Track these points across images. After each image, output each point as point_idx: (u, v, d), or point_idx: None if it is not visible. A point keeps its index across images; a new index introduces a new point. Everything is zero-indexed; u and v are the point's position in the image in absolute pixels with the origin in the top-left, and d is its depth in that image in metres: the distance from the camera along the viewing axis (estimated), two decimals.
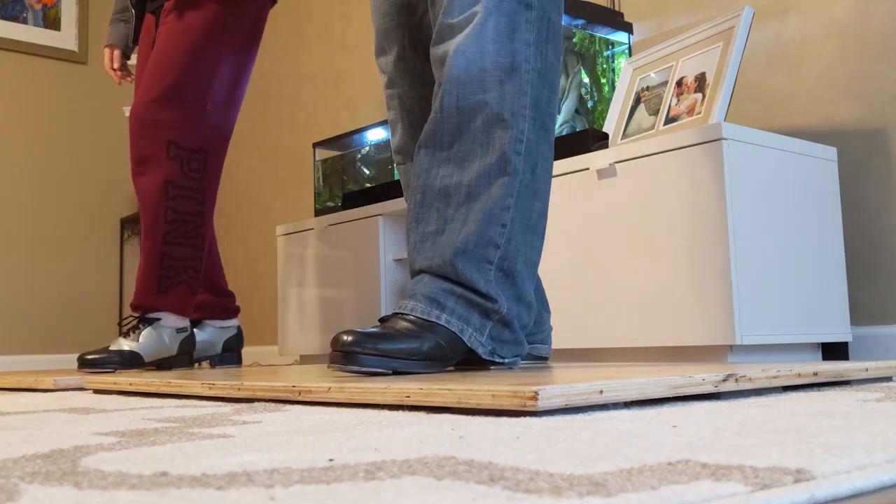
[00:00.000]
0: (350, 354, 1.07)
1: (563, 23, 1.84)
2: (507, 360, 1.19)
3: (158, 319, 1.89)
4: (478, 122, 1.18)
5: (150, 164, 1.92)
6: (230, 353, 2.17)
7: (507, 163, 1.18)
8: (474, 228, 1.17)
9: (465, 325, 1.15)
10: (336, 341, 1.08)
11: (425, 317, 1.13)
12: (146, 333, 1.86)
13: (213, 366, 2.15)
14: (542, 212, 1.23)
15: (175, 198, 1.92)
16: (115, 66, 2.21)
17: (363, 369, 1.07)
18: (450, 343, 1.14)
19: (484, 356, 1.17)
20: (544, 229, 1.24)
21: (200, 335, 2.10)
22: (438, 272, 1.17)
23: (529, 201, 1.20)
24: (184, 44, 1.94)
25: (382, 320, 1.15)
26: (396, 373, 1.09)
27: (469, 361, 1.19)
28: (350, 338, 1.08)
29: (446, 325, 1.13)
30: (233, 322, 2.18)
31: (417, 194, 1.22)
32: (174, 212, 1.92)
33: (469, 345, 1.15)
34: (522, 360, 1.25)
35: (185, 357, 1.95)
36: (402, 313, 1.15)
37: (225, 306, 2.17)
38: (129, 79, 2.23)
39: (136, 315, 1.90)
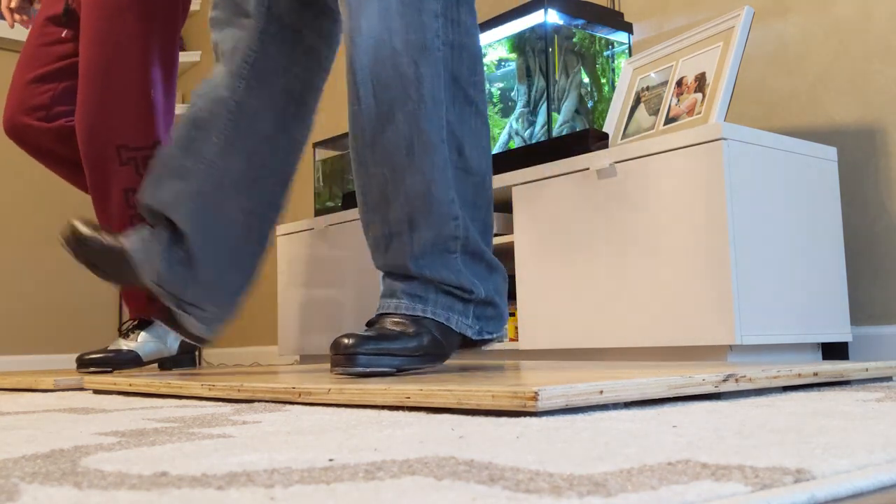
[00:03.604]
0: (353, 356, 1.07)
1: (562, 22, 1.85)
2: (494, 336, 1.21)
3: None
4: (398, 115, 1.13)
5: (104, 179, 1.76)
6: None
7: (436, 154, 1.14)
8: (426, 234, 1.15)
9: (451, 312, 1.16)
10: (337, 345, 1.09)
11: (411, 312, 1.14)
12: (145, 334, 1.86)
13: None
14: (478, 185, 1.20)
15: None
16: (12, 4, 1.95)
17: (368, 370, 1.07)
18: (443, 334, 1.15)
19: (474, 337, 1.18)
20: (487, 199, 1.23)
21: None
22: (406, 274, 1.17)
23: (463, 182, 1.18)
24: (101, 30, 1.76)
25: (370, 324, 1.16)
26: (400, 371, 1.09)
27: (462, 346, 1.20)
28: (351, 340, 1.08)
29: (433, 317, 1.14)
30: None
31: (360, 195, 1.20)
32: (140, 219, 1.74)
33: (458, 330, 1.16)
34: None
35: (187, 357, 1.94)
36: (387, 313, 1.16)
37: None
38: (27, 23, 1.97)
39: (134, 318, 1.89)
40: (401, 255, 1.16)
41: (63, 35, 1.89)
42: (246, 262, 1.45)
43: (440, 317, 1.15)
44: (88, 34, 1.78)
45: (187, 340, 1.53)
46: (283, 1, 1.37)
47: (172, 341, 1.90)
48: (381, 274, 1.23)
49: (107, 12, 1.77)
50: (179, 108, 3.63)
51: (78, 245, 1.39)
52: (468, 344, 1.21)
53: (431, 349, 1.13)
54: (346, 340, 1.08)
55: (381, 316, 1.16)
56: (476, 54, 1.20)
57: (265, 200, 1.44)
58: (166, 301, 1.40)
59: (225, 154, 1.37)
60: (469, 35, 1.19)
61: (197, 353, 2.03)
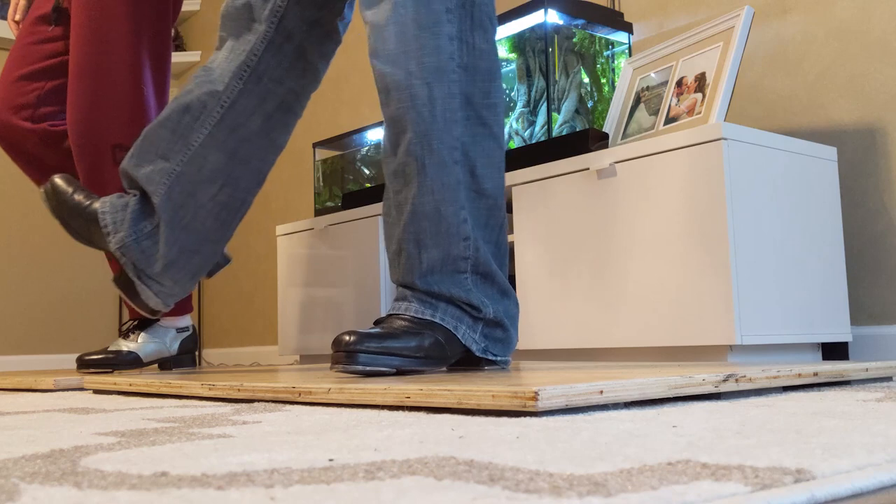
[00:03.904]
0: (353, 354, 1.07)
1: (562, 22, 1.85)
2: (499, 359, 1.22)
3: (157, 320, 1.88)
4: (410, 134, 1.16)
5: (99, 180, 1.74)
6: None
7: (447, 176, 1.16)
8: (434, 253, 1.17)
9: (459, 323, 1.17)
10: (338, 342, 1.09)
11: (420, 316, 1.15)
12: (145, 335, 1.85)
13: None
14: (491, 207, 1.22)
15: None
16: (17, 17, 1.94)
17: (367, 369, 1.07)
18: (447, 341, 1.15)
19: (477, 353, 1.19)
20: (500, 220, 1.24)
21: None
22: (415, 289, 1.18)
23: (476, 203, 1.20)
24: (92, 28, 1.74)
25: (378, 322, 1.16)
26: (400, 372, 1.09)
27: (464, 361, 1.21)
28: (352, 338, 1.08)
29: (441, 322, 1.15)
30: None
31: (383, 207, 1.25)
32: None
33: (463, 342, 1.17)
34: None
35: (188, 357, 1.94)
36: (397, 314, 1.16)
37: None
38: None
39: (134, 318, 1.88)
40: (410, 271, 1.18)
41: (50, 30, 1.88)
42: (208, 248, 1.50)
43: (448, 324, 1.16)
44: (79, 32, 1.77)
45: (140, 311, 1.57)
46: (295, 18, 1.41)
47: (172, 341, 1.90)
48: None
49: (97, 11, 1.76)
50: None
51: (55, 199, 1.49)
52: (472, 361, 1.21)
53: (433, 352, 1.13)
54: (347, 338, 1.08)
55: (390, 316, 1.17)
56: (491, 78, 1.21)
57: (237, 196, 1.49)
58: (127, 269, 1.47)
59: (209, 145, 1.43)
60: (483, 59, 1.21)
61: (196, 353, 2.03)
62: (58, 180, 1.51)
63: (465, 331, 1.17)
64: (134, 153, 1.45)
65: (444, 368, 1.20)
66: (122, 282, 1.50)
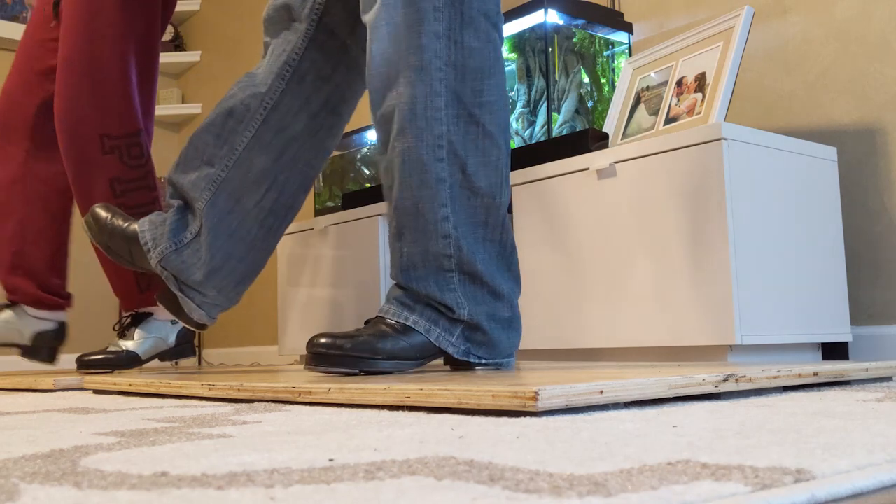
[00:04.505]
0: (318, 356, 1.15)
1: (562, 22, 1.85)
2: (483, 362, 1.21)
3: (151, 315, 1.88)
4: (393, 132, 1.18)
5: (87, 170, 1.74)
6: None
7: (425, 173, 1.17)
8: (413, 248, 1.19)
9: (433, 325, 1.18)
10: (310, 343, 1.16)
11: (397, 319, 1.18)
12: (140, 331, 1.85)
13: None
14: (488, 206, 1.22)
15: (124, 193, 1.77)
16: None
17: (329, 370, 1.14)
18: (419, 344, 1.18)
19: (457, 356, 1.20)
20: (500, 219, 1.23)
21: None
22: (399, 284, 1.22)
23: (469, 201, 1.20)
24: (83, 19, 1.74)
25: (366, 323, 1.21)
26: (370, 372, 1.14)
27: (459, 362, 1.22)
28: (322, 340, 1.15)
29: (414, 325, 1.17)
30: None
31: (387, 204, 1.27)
32: (126, 208, 1.77)
33: (437, 345, 1.18)
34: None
35: (187, 346, 1.94)
36: (380, 317, 1.20)
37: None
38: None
39: (129, 315, 1.89)
40: (394, 265, 1.22)
41: (53, 25, 1.89)
42: (253, 255, 1.48)
43: (420, 327, 1.18)
44: (70, 24, 1.76)
45: (187, 326, 1.56)
46: (336, 13, 1.40)
47: (169, 334, 1.90)
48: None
49: (89, 5, 1.74)
50: (179, 108, 3.63)
51: (96, 226, 1.50)
52: (458, 363, 1.22)
53: (396, 353, 1.17)
54: (317, 340, 1.15)
55: (376, 318, 1.20)
56: (484, 76, 1.21)
57: (283, 201, 1.46)
58: (168, 284, 1.45)
59: (254, 148, 1.41)
60: (474, 57, 1.20)
61: (195, 341, 2.03)
62: (97, 209, 1.52)
63: (440, 333, 1.18)
64: (180, 161, 1.44)
65: (414, 368, 1.21)
66: (165, 297, 1.49)
